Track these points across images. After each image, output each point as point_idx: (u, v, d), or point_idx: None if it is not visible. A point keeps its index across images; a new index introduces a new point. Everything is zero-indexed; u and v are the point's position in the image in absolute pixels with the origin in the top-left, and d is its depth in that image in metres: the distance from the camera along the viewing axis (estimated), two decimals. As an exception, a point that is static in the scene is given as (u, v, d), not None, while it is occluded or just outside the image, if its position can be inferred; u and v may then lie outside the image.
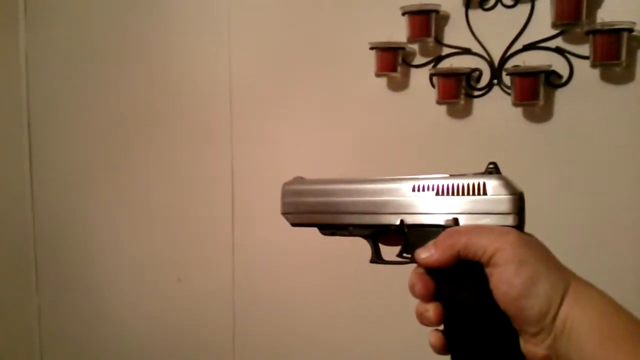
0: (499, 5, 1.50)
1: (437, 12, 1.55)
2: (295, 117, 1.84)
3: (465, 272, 0.55)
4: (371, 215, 0.63)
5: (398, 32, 1.59)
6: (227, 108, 1.96)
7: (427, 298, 0.58)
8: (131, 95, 2.19)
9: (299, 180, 0.70)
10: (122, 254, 2.25)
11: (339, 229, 0.67)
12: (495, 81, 1.52)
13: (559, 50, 1.44)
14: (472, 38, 1.54)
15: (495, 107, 1.52)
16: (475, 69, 1.54)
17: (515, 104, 1.47)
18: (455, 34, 1.56)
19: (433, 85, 1.58)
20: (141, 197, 2.18)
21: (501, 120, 1.52)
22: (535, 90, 1.43)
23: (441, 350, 0.58)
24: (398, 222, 0.61)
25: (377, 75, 1.63)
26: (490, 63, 1.52)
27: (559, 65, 1.44)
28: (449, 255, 0.55)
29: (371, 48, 1.62)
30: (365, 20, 1.69)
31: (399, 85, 1.65)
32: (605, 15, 1.39)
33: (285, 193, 0.70)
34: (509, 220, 0.56)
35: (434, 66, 1.59)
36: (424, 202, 0.59)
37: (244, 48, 1.92)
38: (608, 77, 1.41)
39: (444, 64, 1.57)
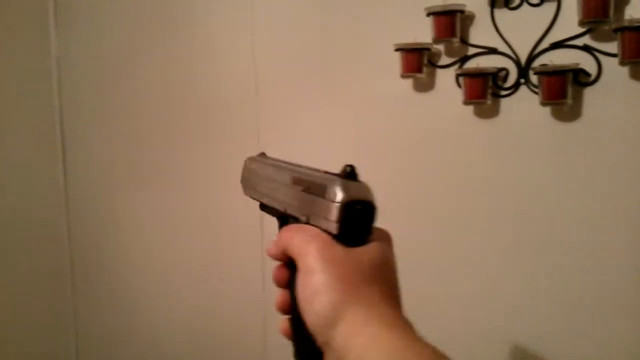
0: (525, 4, 1.49)
1: (462, 12, 1.55)
2: (321, 119, 1.85)
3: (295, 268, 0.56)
4: (274, 200, 0.64)
5: (423, 33, 1.59)
6: (254, 110, 1.98)
7: (278, 286, 0.61)
8: (160, 98, 2.23)
9: (258, 156, 0.74)
10: (155, 255, 2.29)
11: (263, 208, 0.70)
12: (522, 80, 1.51)
13: (586, 49, 1.43)
14: (498, 37, 1.53)
15: (523, 107, 1.51)
16: (502, 69, 1.53)
17: (543, 103, 1.46)
18: (481, 34, 1.56)
19: (459, 86, 1.57)
20: (172, 199, 2.22)
21: (529, 119, 1.51)
22: (563, 89, 1.42)
23: (288, 337, 0.61)
24: (283, 210, 0.62)
25: (403, 76, 1.64)
26: (517, 62, 1.51)
27: (587, 63, 1.43)
28: (278, 251, 0.58)
29: (396, 49, 1.62)
30: (390, 21, 1.69)
31: (425, 86, 1.65)
32: (634, 11, 1.37)
33: (244, 166, 0.76)
34: (333, 227, 0.53)
35: (460, 66, 1.58)
36: (294, 195, 0.60)
37: (269, 49, 1.94)
38: (637, 74, 1.39)
39: (470, 64, 1.57)
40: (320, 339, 0.49)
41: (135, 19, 2.28)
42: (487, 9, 1.54)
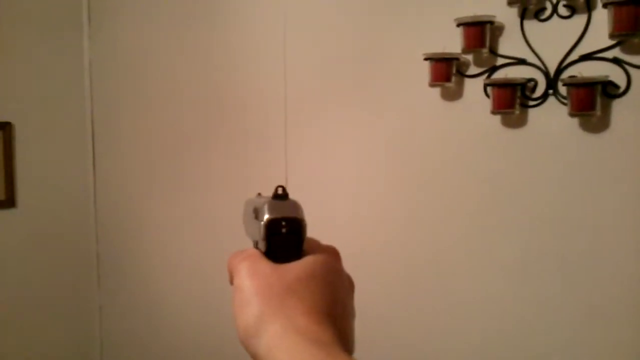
0: (555, 16, 1.51)
1: (492, 23, 1.57)
2: (349, 126, 1.88)
3: None
4: (249, 235, 0.65)
5: (452, 42, 1.61)
6: (282, 115, 2.01)
7: None
8: (189, 102, 2.27)
9: (255, 197, 0.74)
10: (181, 254, 2.33)
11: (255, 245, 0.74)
12: (550, 91, 1.52)
13: (616, 61, 1.44)
14: (528, 48, 1.55)
15: (551, 117, 1.53)
16: (531, 79, 1.55)
17: (572, 114, 1.47)
18: (510, 45, 1.57)
19: (487, 95, 1.59)
20: (199, 199, 2.26)
21: (557, 130, 1.52)
22: (592, 101, 1.43)
23: None
24: (254, 243, 0.63)
25: (431, 85, 1.66)
26: (546, 73, 1.53)
27: (616, 75, 1.44)
28: (229, 274, 0.59)
29: (425, 59, 1.64)
30: (420, 31, 1.72)
31: (453, 95, 1.67)
32: (665, 25, 1.38)
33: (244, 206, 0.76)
34: (262, 245, 0.57)
35: (489, 76, 1.60)
36: (253, 225, 0.62)
37: (300, 58, 1.97)
38: (667, 87, 1.40)
39: (499, 74, 1.59)
40: (248, 350, 0.51)
41: (167, 23, 2.32)
42: (517, 20, 1.55)
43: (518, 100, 1.55)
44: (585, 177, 1.50)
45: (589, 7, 1.46)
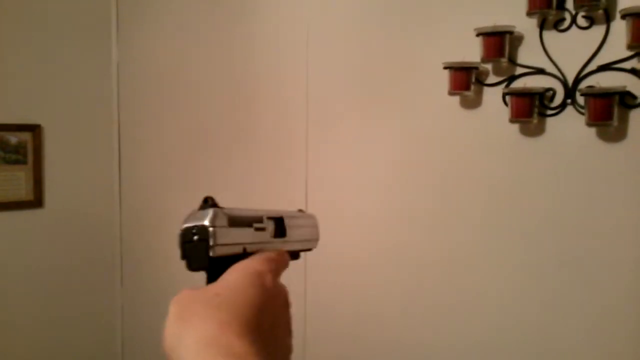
0: (574, 27, 1.53)
1: (511, 33, 1.59)
2: (368, 132, 1.91)
3: None
4: None
5: (472, 51, 1.63)
6: (303, 120, 2.05)
7: None
8: (213, 105, 2.33)
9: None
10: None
11: None
12: (569, 101, 1.54)
13: (634, 72, 1.46)
14: (546, 58, 1.57)
15: (569, 127, 1.54)
16: (549, 89, 1.57)
17: (589, 124, 1.49)
18: (529, 54, 1.60)
19: (506, 104, 1.62)
20: (221, 200, 2.29)
21: (574, 139, 1.54)
22: (610, 111, 1.45)
23: None
24: None
25: (450, 93, 1.69)
26: (564, 83, 1.54)
27: (634, 86, 1.45)
28: None
29: (445, 67, 1.67)
30: (440, 40, 1.74)
31: (472, 103, 1.70)
32: (683, 37, 1.39)
33: None
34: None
35: (507, 85, 1.63)
36: None
37: (322, 65, 2.01)
38: (685, 98, 1.42)
39: (517, 84, 1.61)
40: None
41: (192, 28, 2.38)
42: (536, 30, 1.58)
43: (536, 110, 1.57)
44: (602, 186, 1.51)
45: (608, 18, 1.48)
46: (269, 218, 0.65)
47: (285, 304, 0.57)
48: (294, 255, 0.69)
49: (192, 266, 0.56)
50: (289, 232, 0.68)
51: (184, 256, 0.56)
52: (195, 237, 0.55)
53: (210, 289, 0.53)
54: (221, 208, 0.58)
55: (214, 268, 0.56)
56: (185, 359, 0.47)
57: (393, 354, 1.90)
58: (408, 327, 1.86)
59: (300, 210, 0.77)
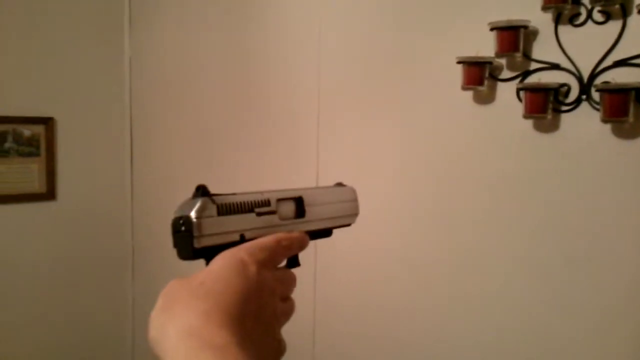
0: (590, 22, 1.51)
1: (526, 27, 1.57)
2: (380, 126, 1.90)
3: None
4: None
5: (486, 46, 1.62)
6: (314, 115, 2.05)
7: None
8: (225, 100, 2.33)
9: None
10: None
11: None
12: (584, 97, 1.52)
13: (651, 67, 1.44)
14: (561, 53, 1.55)
15: (584, 123, 1.53)
16: (564, 84, 1.55)
17: (604, 120, 1.47)
18: (544, 49, 1.58)
19: (520, 100, 1.60)
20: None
21: (589, 135, 1.52)
22: (625, 107, 1.43)
23: None
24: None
25: (464, 88, 1.67)
26: (579, 79, 1.53)
27: (651, 82, 1.44)
28: None
29: (458, 62, 1.66)
30: (453, 34, 1.73)
31: (485, 98, 1.69)
32: (702, 32, 1.37)
33: None
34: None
35: (522, 81, 1.61)
36: None
37: (334, 58, 2.00)
38: (702, 95, 1.40)
39: (532, 79, 1.59)
40: (157, 353, 0.50)
41: (204, 25, 2.38)
42: (551, 25, 1.56)
43: (550, 105, 1.55)
44: (617, 183, 1.50)
45: (624, 13, 1.46)
46: (283, 199, 0.63)
47: (273, 292, 0.56)
48: (325, 232, 0.68)
49: (180, 256, 0.57)
50: (310, 211, 0.66)
51: (174, 245, 0.57)
52: (182, 228, 0.56)
53: (196, 277, 0.53)
54: (212, 196, 0.58)
55: (206, 257, 0.56)
56: (167, 349, 0.48)
57: (400, 352, 1.89)
58: (415, 326, 1.86)
59: (339, 184, 0.75)
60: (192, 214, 0.55)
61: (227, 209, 0.58)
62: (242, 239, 0.59)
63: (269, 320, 0.55)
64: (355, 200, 0.75)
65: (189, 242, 0.56)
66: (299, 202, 0.66)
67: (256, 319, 0.52)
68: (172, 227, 0.56)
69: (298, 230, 0.64)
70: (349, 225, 0.73)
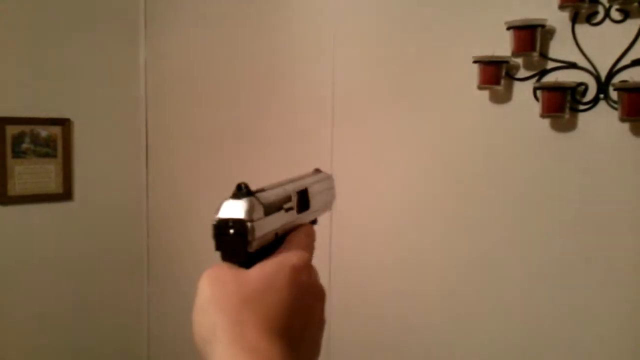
0: (607, 20, 1.50)
1: (543, 26, 1.57)
2: (396, 126, 1.90)
3: None
4: None
5: (502, 45, 1.61)
6: (329, 116, 2.05)
7: None
8: (239, 102, 2.33)
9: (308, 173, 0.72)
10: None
11: None
12: (601, 96, 1.52)
13: (670, 66, 1.43)
14: (579, 52, 1.54)
15: (601, 122, 1.52)
16: (581, 84, 1.54)
17: (622, 119, 1.46)
18: (561, 48, 1.57)
19: (537, 99, 1.59)
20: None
21: (607, 135, 1.52)
22: (644, 106, 1.42)
23: None
24: None
25: (480, 87, 1.67)
26: (597, 78, 1.52)
27: (670, 80, 1.43)
28: None
29: (475, 61, 1.65)
30: (470, 33, 1.73)
31: (502, 98, 1.68)
32: None
33: None
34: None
35: (538, 80, 1.60)
36: None
37: (349, 58, 2.01)
38: None
39: (549, 78, 1.59)
40: (201, 355, 0.50)
41: (219, 27, 2.39)
42: (569, 24, 1.55)
43: (568, 105, 1.54)
44: (635, 182, 1.49)
45: (643, 12, 1.45)
46: (297, 192, 0.62)
47: (320, 296, 0.55)
48: (314, 222, 0.67)
49: (229, 260, 0.54)
50: (312, 202, 0.65)
51: (219, 248, 0.54)
52: (232, 231, 0.52)
53: (249, 282, 0.51)
54: (255, 194, 0.55)
55: (255, 260, 0.54)
56: (218, 356, 0.47)
57: (418, 356, 1.89)
58: (433, 329, 1.85)
59: (316, 170, 0.74)
60: (244, 216, 0.53)
61: (269, 209, 0.56)
62: (277, 238, 0.57)
63: (315, 326, 0.54)
64: (334, 187, 0.74)
65: (243, 247, 0.53)
66: (304, 194, 0.64)
67: (302, 330, 0.52)
68: (217, 229, 0.53)
69: (307, 223, 0.63)
70: (328, 210, 0.73)
